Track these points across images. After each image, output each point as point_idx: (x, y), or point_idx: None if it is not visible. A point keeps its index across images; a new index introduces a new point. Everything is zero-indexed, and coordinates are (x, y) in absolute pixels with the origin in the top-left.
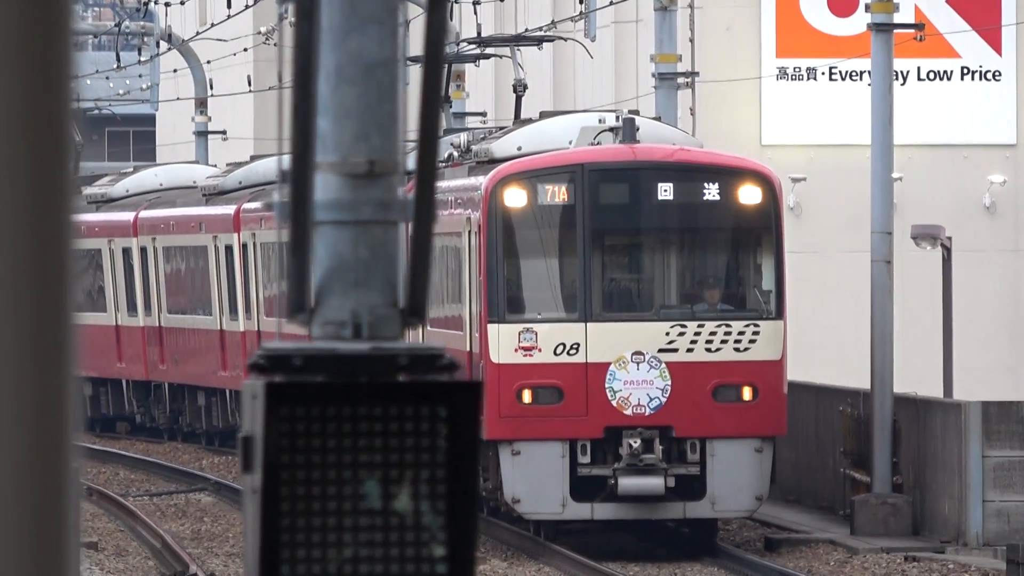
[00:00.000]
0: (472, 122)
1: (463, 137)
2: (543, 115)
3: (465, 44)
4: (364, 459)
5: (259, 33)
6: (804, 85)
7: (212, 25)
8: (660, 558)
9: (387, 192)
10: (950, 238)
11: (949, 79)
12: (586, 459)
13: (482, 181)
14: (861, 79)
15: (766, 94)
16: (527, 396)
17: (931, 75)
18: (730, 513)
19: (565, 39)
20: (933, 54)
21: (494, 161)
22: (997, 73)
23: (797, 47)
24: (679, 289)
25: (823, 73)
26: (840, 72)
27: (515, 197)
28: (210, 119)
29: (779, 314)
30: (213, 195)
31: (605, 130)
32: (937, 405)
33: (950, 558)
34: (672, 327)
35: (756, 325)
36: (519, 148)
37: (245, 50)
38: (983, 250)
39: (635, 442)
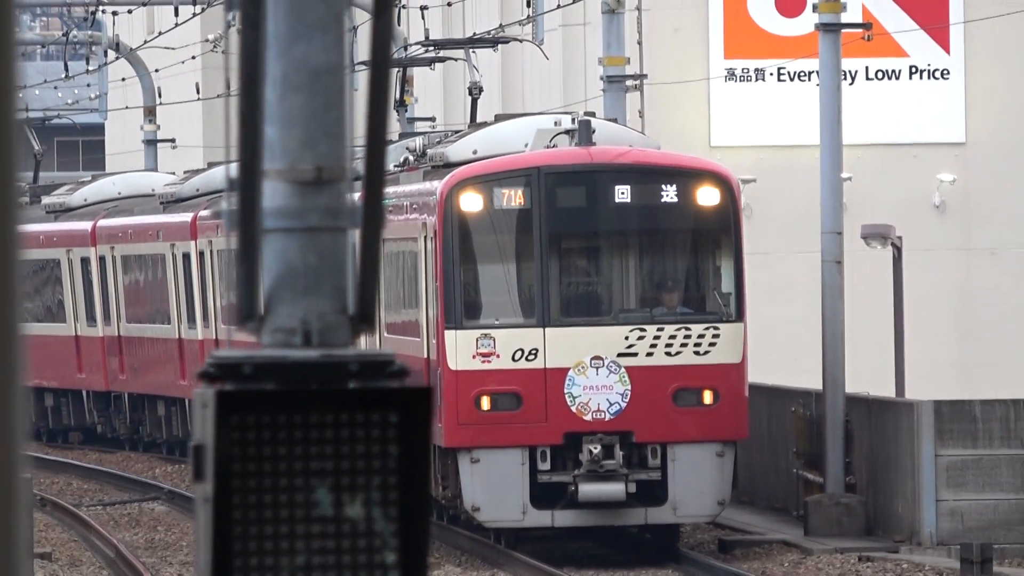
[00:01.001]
0: (421, 127)
1: (418, 141)
2: (498, 118)
3: (419, 47)
4: (315, 466)
5: (207, 41)
6: (752, 86)
7: (160, 33)
8: (622, 564)
9: (335, 199)
10: (900, 237)
11: (897, 78)
12: (546, 466)
13: (437, 185)
14: (809, 79)
15: (714, 95)
16: (485, 403)
17: (879, 74)
18: (692, 518)
19: (521, 41)
20: (881, 53)
21: (449, 165)
22: (945, 72)
23: (745, 48)
24: (638, 293)
25: (771, 74)
26: (788, 72)
27: (471, 201)
28: (159, 127)
29: (739, 316)
30: (170, 203)
31: (561, 132)
32: (889, 405)
33: (904, 558)
34: (631, 331)
35: (716, 328)
36: (475, 152)
37: (193, 58)
38: (933, 249)
39: (595, 448)
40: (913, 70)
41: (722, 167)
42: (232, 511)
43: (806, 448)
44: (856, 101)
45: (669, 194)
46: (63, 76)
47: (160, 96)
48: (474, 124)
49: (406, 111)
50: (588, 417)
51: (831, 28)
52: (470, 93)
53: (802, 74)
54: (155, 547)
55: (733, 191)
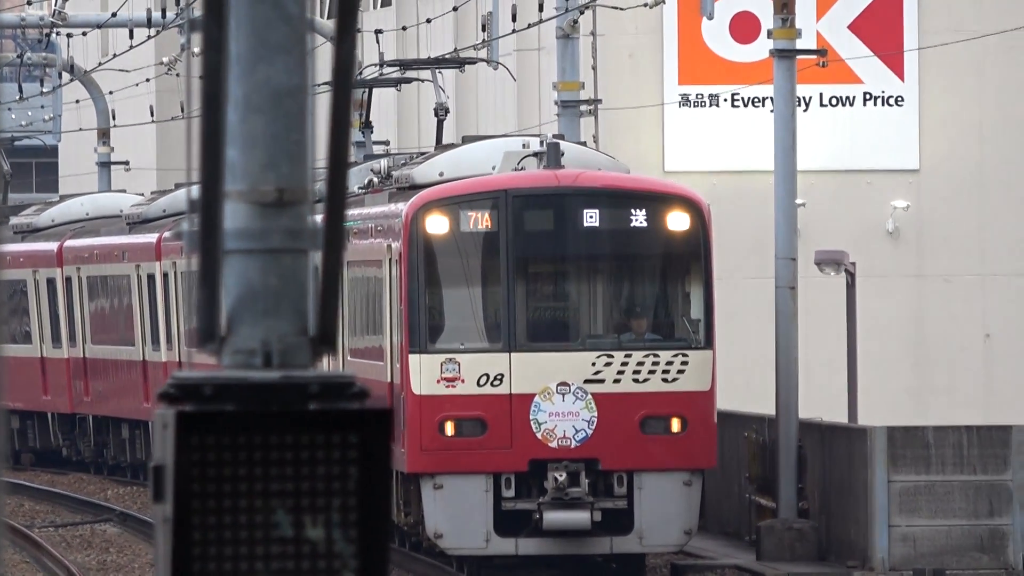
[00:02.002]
0: (377, 151)
1: (383, 163)
2: (465, 140)
3: (385, 67)
4: (275, 488)
5: (161, 63)
6: (707, 112)
7: (114, 56)
8: None
9: (296, 220)
10: (854, 263)
11: (851, 104)
12: (510, 493)
13: (403, 208)
14: (764, 105)
15: (669, 121)
16: (449, 428)
17: (833, 100)
18: (658, 548)
19: (488, 62)
20: (835, 80)
21: (415, 187)
22: (899, 98)
23: (699, 74)
24: (605, 318)
25: (725, 99)
26: (743, 98)
27: (437, 224)
28: (113, 150)
29: (708, 343)
30: (137, 223)
31: (529, 155)
32: (842, 430)
33: None
34: (598, 357)
35: (685, 355)
36: (441, 174)
37: (147, 80)
38: (886, 275)
39: (561, 475)
40: (867, 96)
41: (692, 192)
42: (192, 532)
43: (759, 473)
44: (810, 127)
45: (639, 219)
46: (17, 98)
47: (114, 118)
48: (440, 146)
49: (371, 132)
50: (554, 444)
51: (786, 54)
52: (436, 114)
53: (756, 100)
54: (107, 569)
55: (704, 216)
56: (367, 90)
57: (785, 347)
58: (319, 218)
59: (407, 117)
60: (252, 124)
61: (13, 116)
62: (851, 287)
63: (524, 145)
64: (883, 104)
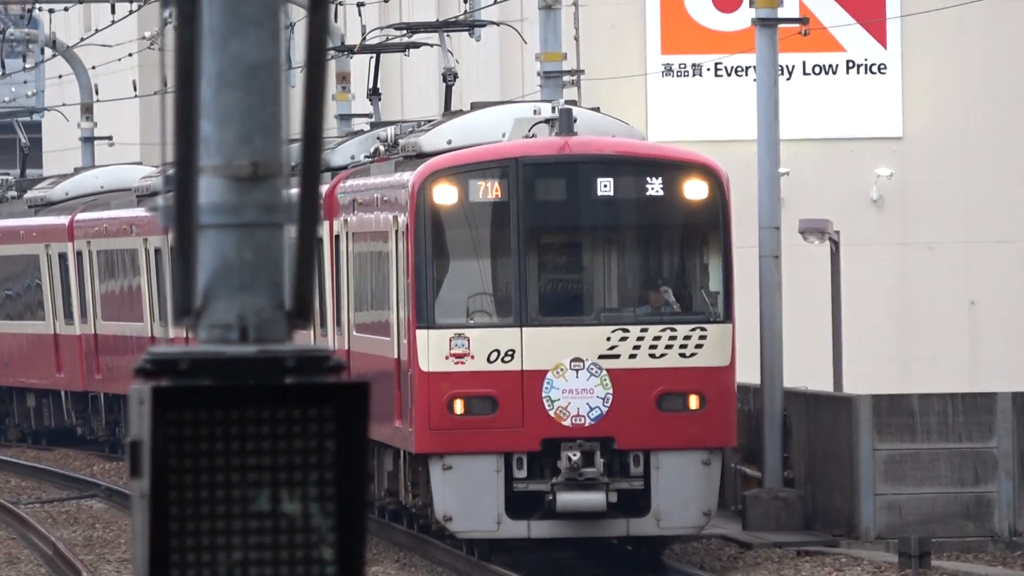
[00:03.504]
0: (358, 123)
1: (390, 131)
2: (474, 106)
3: (393, 31)
4: (252, 462)
5: (143, 38)
6: (689, 81)
7: (97, 31)
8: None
9: (271, 194)
10: (838, 232)
11: (835, 73)
12: (522, 473)
13: (409, 177)
14: (746, 74)
15: (652, 91)
16: (459, 407)
17: (816, 69)
18: (676, 530)
19: (499, 24)
20: (818, 48)
21: (422, 156)
22: (882, 66)
23: (682, 43)
24: (621, 291)
25: (708, 69)
26: (725, 68)
27: (445, 194)
28: (96, 125)
29: (727, 317)
30: (145, 196)
31: (540, 121)
32: (827, 399)
33: (842, 551)
34: (613, 332)
35: (703, 329)
36: (449, 142)
37: (130, 55)
38: (870, 244)
39: (575, 455)
40: (850, 65)
41: (711, 159)
42: (169, 507)
43: (744, 443)
44: (793, 96)
45: (654, 187)
46: None
47: (97, 93)
48: (448, 112)
49: (379, 99)
50: (567, 422)
51: (768, 23)
52: (444, 80)
53: (739, 69)
54: (93, 544)
55: (722, 184)
56: (374, 56)
57: (769, 316)
58: (294, 191)
59: (390, 89)
60: (226, 98)
61: None
62: (835, 255)
63: (535, 111)
64: (866, 72)
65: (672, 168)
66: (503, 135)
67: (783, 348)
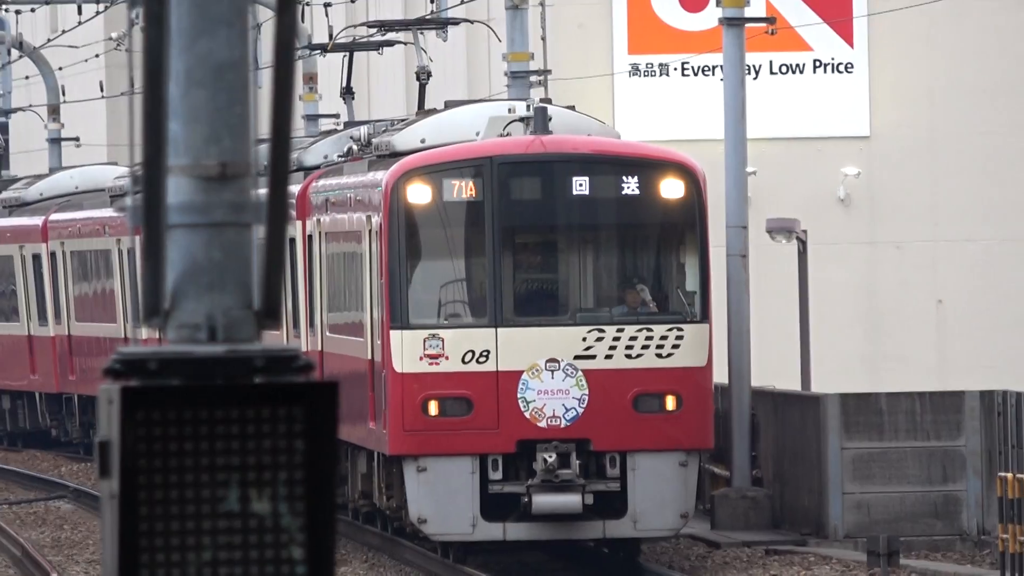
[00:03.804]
0: (325, 124)
1: (363, 130)
2: (448, 105)
3: (365, 29)
4: (222, 462)
5: (110, 39)
6: (657, 81)
7: (63, 32)
8: None
9: (240, 194)
10: (805, 231)
11: (801, 72)
12: (497, 475)
13: (383, 176)
14: (713, 74)
15: (619, 91)
16: (433, 408)
17: (783, 68)
18: (653, 532)
19: (472, 22)
20: (785, 47)
21: (396, 155)
22: (849, 65)
23: (649, 43)
24: (596, 291)
25: (675, 69)
26: (692, 67)
27: (418, 193)
28: (63, 126)
29: (704, 317)
30: (118, 196)
31: (515, 120)
32: (795, 398)
33: (811, 550)
34: (589, 332)
35: (680, 329)
36: (423, 140)
37: (97, 56)
38: (838, 243)
39: (550, 457)
40: (817, 64)
41: (687, 158)
42: (138, 507)
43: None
44: (760, 95)
45: (631, 186)
46: None
47: (64, 94)
48: (422, 111)
49: (352, 98)
50: (543, 424)
51: (735, 23)
52: (418, 78)
53: (706, 69)
54: (61, 546)
55: (699, 183)
56: (347, 55)
57: (737, 315)
58: (263, 191)
59: (358, 89)
60: (194, 98)
61: None
62: (802, 255)
63: (510, 110)
64: (833, 71)
65: (648, 167)
66: (477, 134)
67: (751, 347)
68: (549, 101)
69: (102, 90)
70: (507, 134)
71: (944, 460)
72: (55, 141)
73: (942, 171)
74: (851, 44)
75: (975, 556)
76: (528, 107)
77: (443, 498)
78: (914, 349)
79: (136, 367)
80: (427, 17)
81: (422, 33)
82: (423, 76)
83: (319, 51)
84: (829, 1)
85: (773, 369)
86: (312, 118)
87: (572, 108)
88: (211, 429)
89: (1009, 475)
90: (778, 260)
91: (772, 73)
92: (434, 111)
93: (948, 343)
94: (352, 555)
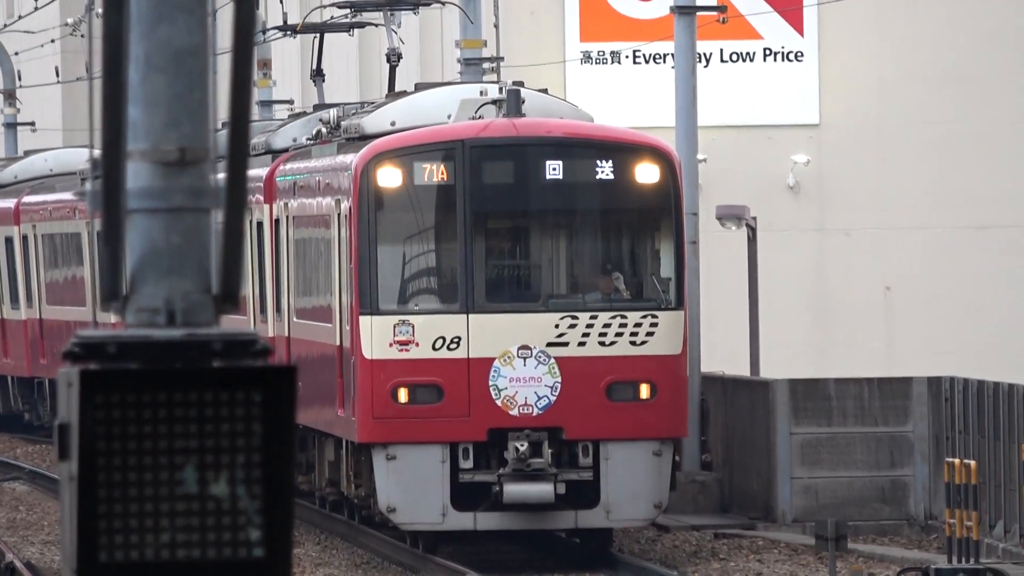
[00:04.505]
0: (279, 110)
1: (332, 113)
2: (419, 87)
3: (336, 10)
4: (180, 445)
5: (66, 25)
6: (608, 69)
7: (20, 17)
8: (549, 569)
9: (198, 179)
10: (755, 218)
11: (752, 61)
12: (468, 464)
13: (352, 159)
14: (664, 62)
15: (571, 78)
16: (403, 395)
17: (734, 57)
18: (626, 522)
19: (444, 3)
20: (735, 36)
21: (365, 138)
22: (799, 54)
23: (601, 31)
24: (569, 277)
25: (627, 56)
26: (644, 55)
27: (389, 176)
28: (19, 111)
29: (679, 304)
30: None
31: (487, 103)
32: (744, 383)
33: (759, 534)
34: (562, 319)
35: (654, 316)
36: (393, 123)
37: (52, 41)
38: (787, 230)
39: (522, 445)
40: (767, 52)
41: (662, 142)
42: (97, 489)
43: None
44: (711, 83)
45: (605, 171)
46: None
47: (20, 79)
48: (392, 94)
49: (323, 80)
50: (514, 412)
51: (686, 11)
52: (388, 60)
53: (657, 56)
54: (17, 527)
55: (674, 168)
56: (318, 35)
57: (687, 301)
58: (221, 176)
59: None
60: (154, 83)
61: None
62: (752, 241)
63: (482, 92)
64: (783, 60)
65: (623, 151)
66: (448, 117)
67: (700, 333)
68: (522, 84)
69: (58, 75)
70: (479, 117)
71: (892, 446)
72: (11, 126)
73: (891, 159)
74: (801, 33)
75: (922, 540)
76: (500, 90)
77: (413, 487)
78: (862, 335)
79: (95, 351)
80: None
81: (392, 14)
82: (393, 58)
83: (289, 32)
84: None
85: (722, 355)
86: (266, 104)
87: (545, 91)
88: (170, 412)
89: (956, 460)
90: (728, 247)
91: (723, 61)
92: (404, 93)
93: (896, 330)
94: (305, 537)
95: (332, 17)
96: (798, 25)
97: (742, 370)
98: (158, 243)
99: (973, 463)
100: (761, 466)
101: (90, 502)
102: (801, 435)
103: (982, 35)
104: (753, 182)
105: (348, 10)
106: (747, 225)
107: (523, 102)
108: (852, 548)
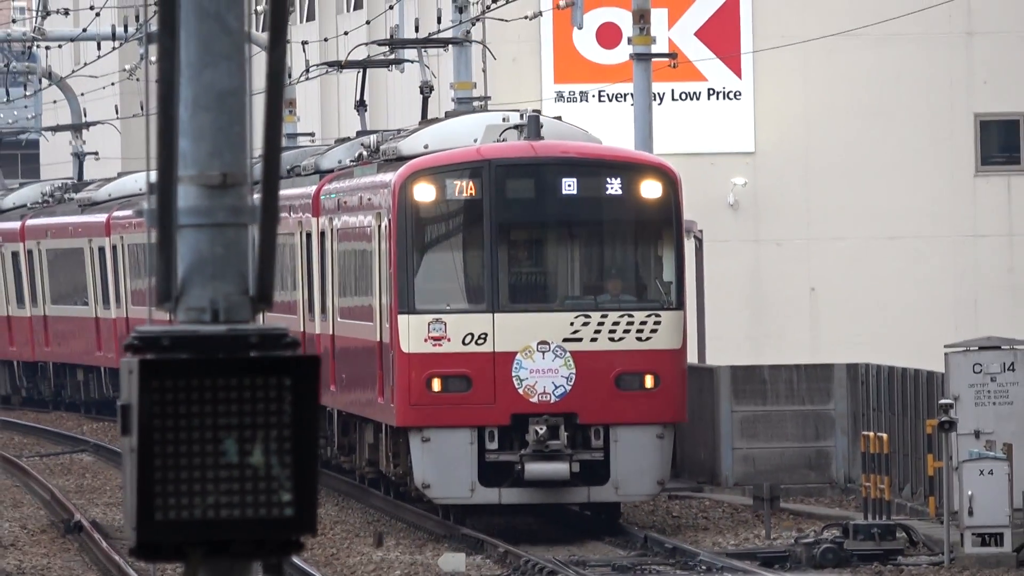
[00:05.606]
0: (303, 142)
1: (372, 138)
2: (448, 115)
3: (375, 47)
4: (222, 422)
5: (124, 70)
6: (578, 106)
7: (85, 64)
8: (563, 540)
9: (238, 199)
10: (701, 231)
11: (697, 99)
12: (494, 445)
13: (391, 177)
14: (625, 100)
15: (546, 114)
16: (436, 384)
17: (683, 96)
18: (633, 497)
19: (470, 42)
20: (684, 78)
21: (402, 159)
22: (737, 93)
23: (572, 74)
24: (583, 281)
25: (593, 96)
26: (608, 95)
27: (424, 192)
28: (85, 143)
29: (679, 304)
30: (88, 206)
31: (510, 127)
32: (694, 370)
33: (706, 496)
34: (576, 317)
35: (657, 315)
36: (426, 146)
37: (113, 84)
38: (728, 240)
39: (541, 429)
40: (711, 92)
41: (665, 162)
42: (154, 459)
43: None
44: (664, 118)
45: (613, 187)
46: (4, 100)
47: (85, 116)
48: (425, 120)
49: (365, 110)
50: (534, 399)
51: (643, 57)
52: (421, 91)
53: (619, 96)
54: (84, 491)
55: (675, 184)
56: (361, 71)
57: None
58: (257, 197)
59: (329, 108)
60: (200, 119)
61: (1, 115)
62: (699, 251)
63: (504, 119)
64: (724, 98)
65: (630, 169)
66: (475, 140)
67: None
68: (539, 111)
69: (117, 112)
70: (503, 139)
71: (817, 421)
72: (77, 155)
73: (815, 181)
74: (739, 75)
75: (842, 501)
76: (521, 116)
77: (445, 465)
78: (792, 329)
79: (152, 343)
80: (431, 37)
81: (426, 51)
82: (426, 90)
83: (336, 67)
84: (721, 40)
85: None
86: (292, 136)
87: (559, 118)
88: (214, 395)
89: (871, 434)
90: None
91: (673, 99)
92: (436, 120)
93: (820, 324)
94: (325, 499)
95: (374, 55)
96: (737, 69)
97: (691, 358)
98: (204, 253)
99: (885, 436)
100: (707, 438)
101: (147, 470)
102: (741, 412)
103: (890, 77)
104: (699, 201)
105: (387, 48)
106: (695, 237)
107: (542, 127)
108: (784, 507)
